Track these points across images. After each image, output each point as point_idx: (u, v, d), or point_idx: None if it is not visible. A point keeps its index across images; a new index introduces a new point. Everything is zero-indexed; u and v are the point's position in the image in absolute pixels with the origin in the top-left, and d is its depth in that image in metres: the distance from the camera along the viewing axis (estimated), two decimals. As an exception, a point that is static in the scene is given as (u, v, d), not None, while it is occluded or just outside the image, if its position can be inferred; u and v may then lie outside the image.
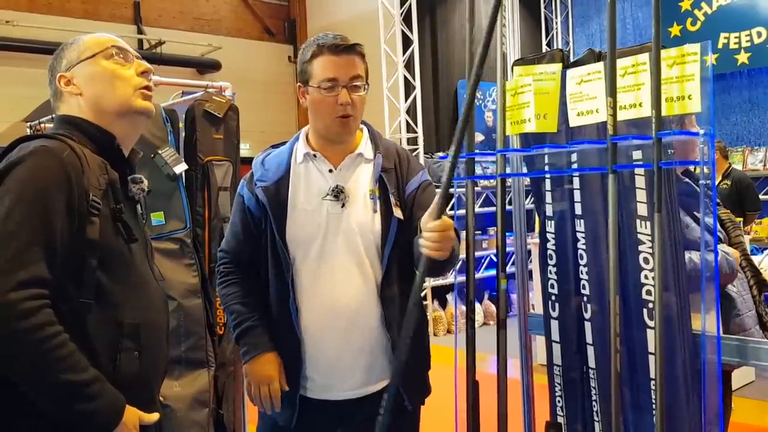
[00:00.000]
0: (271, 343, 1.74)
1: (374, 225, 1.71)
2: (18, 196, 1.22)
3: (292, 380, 1.74)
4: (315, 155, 1.74)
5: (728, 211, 2.59)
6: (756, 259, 2.74)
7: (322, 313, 1.70)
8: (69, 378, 1.20)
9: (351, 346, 1.71)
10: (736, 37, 6.72)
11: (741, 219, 4.89)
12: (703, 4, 6.94)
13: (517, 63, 2.08)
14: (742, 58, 6.69)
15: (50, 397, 1.22)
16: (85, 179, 1.30)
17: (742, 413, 2.77)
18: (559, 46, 8.26)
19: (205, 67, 8.30)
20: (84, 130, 1.40)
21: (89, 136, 1.40)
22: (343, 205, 1.70)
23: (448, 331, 6.54)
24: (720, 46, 6.79)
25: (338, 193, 1.70)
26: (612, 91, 1.70)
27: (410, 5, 6.69)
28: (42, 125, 6.91)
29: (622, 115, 1.74)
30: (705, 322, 1.64)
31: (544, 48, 8.12)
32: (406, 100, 6.66)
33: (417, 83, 6.73)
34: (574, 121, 1.90)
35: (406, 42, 6.72)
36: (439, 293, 6.76)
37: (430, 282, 6.63)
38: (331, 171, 1.73)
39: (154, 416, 1.38)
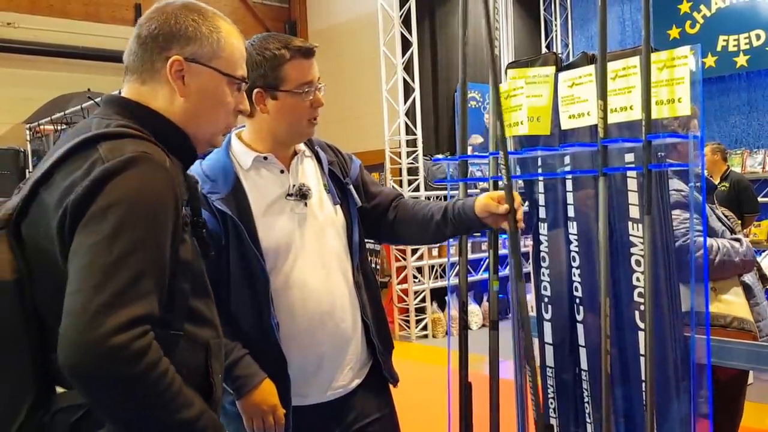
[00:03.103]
0: (261, 369, 1.62)
1: (338, 216, 1.74)
2: (127, 215, 1.01)
3: (281, 400, 1.64)
4: (266, 158, 1.69)
5: (725, 208, 2.66)
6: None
7: (312, 318, 1.66)
8: (183, 416, 1.05)
9: (339, 343, 1.70)
10: (735, 40, 6.72)
11: (739, 221, 4.89)
12: (702, 7, 6.95)
13: (510, 66, 2.09)
14: (741, 60, 6.69)
15: None
16: (182, 192, 1.12)
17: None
18: (559, 49, 8.26)
19: (206, 68, 8.31)
20: (159, 127, 1.17)
21: (164, 135, 1.17)
22: (306, 204, 1.69)
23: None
24: (719, 48, 6.79)
25: (306, 192, 1.69)
26: (602, 94, 1.71)
27: (409, 7, 6.70)
28: (42, 127, 6.94)
29: (612, 118, 1.75)
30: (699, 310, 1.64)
31: (544, 50, 8.12)
32: (405, 102, 6.67)
33: (416, 85, 6.74)
34: (565, 124, 1.91)
35: (406, 44, 6.72)
36: (439, 295, 6.77)
37: (429, 283, 6.65)
38: (282, 172, 1.71)
39: None
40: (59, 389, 1.09)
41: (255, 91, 1.64)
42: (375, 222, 1.86)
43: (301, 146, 1.77)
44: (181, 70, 1.17)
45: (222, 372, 1.25)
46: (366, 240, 1.87)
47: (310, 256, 1.68)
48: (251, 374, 1.60)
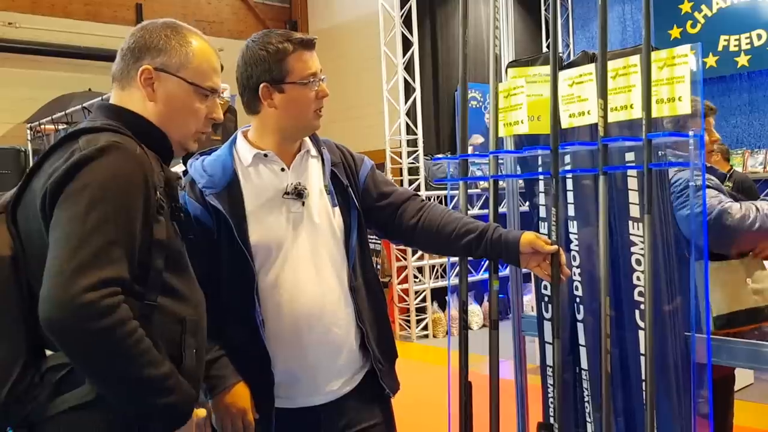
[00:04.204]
0: (237, 372, 1.63)
1: (336, 219, 1.72)
2: (99, 193, 1.17)
3: (264, 399, 1.64)
4: (266, 155, 1.69)
5: None
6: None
7: (299, 319, 1.64)
8: (150, 373, 1.17)
9: (330, 348, 1.67)
10: (736, 40, 6.70)
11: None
12: (703, 7, 6.94)
13: (511, 65, 2.09)
14: (742, 60, 6.68)
15: (134, 393, 1.18)
16: (154, 178, 1.26)
17: (740, 416, 2.77)
18: (560, 49, 8.25)
19: (207, 68, 8.31)
20: (140, 127, 1.32)
21: (144, 132, 1.32)
22: (303, 203, 1.68)
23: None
24: (720, 48, 6.78)
25: (301, 191, 1.67)
26: (603, 92, 1.71)
27: (410, 7, 6.71)
28: (43, 127, 6.94)
29: (613, 117, 1.75)
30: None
31: (544, 50, 8.12)
32: (406, 102, 6.67)
33: (417, 85, 6.74)
34: (566, 123, 1.90)
35: (406, 44, 6.73)
36: (439, 295, 6.77)
37: (430, 283, 6.65)
38: (283, 170, 1.69)
39: (203, 412, 1.35)
40: (49, 352, 1.25)
41: (261, 86, 1.64)
42: (386, 221, 1.82)
43: (308, 144, 1.76)
44: (150, 78, 1.34)
45: (199, 349, 1.34)
46: (369, 238, 1.86)
47: (301, 257, 1.66)
48: (225, 376, 1.61)
